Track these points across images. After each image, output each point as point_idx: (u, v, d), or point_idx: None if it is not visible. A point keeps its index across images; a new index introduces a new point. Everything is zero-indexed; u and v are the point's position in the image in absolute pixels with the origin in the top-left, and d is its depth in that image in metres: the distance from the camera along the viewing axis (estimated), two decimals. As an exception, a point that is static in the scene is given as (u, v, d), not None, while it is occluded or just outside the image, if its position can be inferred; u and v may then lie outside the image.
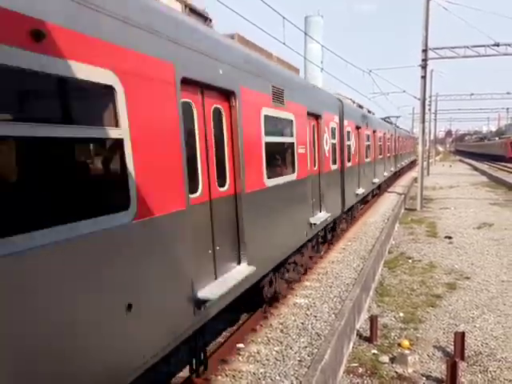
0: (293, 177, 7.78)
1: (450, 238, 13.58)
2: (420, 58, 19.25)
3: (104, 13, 3.23)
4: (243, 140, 5.62)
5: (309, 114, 8.81)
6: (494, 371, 5.90)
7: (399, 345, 6.61)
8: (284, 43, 12.05)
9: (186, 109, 4.49)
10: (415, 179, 27.32)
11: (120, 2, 3.49)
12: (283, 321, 7.08)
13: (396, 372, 5.88)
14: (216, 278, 5.11)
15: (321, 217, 9.46)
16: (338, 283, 8.83)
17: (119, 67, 3.37)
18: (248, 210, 5.76)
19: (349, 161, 13.28)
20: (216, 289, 4.79)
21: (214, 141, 5.08)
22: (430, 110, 40.78)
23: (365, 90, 33.31)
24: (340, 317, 6.59)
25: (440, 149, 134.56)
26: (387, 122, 27.90)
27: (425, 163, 26.26)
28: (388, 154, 24.46)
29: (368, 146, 17.21)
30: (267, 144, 6.52)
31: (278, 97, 6.93)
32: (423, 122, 20.25)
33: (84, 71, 3.03)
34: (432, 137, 56.36)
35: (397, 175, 31.75)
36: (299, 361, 5.74)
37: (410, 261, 11.23)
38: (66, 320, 2.87)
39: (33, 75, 2.70)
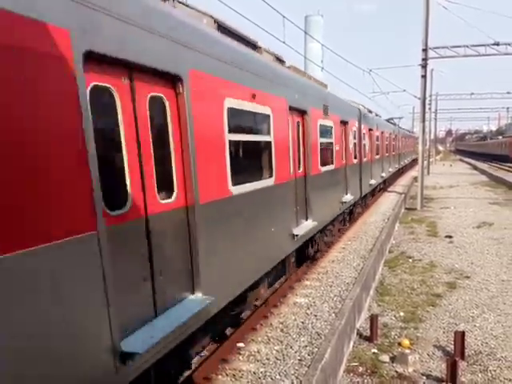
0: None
1: (450, 237, 13.58)
2: (420, 58, 19.24)
3: None
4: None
5: (341, 121, 12.06)
6: (494, 370, 5.90)
7: (399, 344, 6.61)
8: (284, 42, 12.05)
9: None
10: (415, 178, 27.33)
11: None
12: (283, 320, 7.08)
13: (396, 371, 5.89)
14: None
15: (348, 198, 12.82)
16: (338, 282, 8.84)
17: None
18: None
19: (364, 157, 16.23)
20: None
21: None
22: (430, 109, 40.76)
23: (365, 90, 33.27)
24: (340, 316, 6.59)
25: (440, 148, 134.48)
26: (391, 122, 30.42)
27: (425, 162, 26.20)
28: (393, 153, 27.66)
29: (377, 146, 20.22)
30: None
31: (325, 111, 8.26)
32: (423, 121, 20.22)
33: None
34: (432, 136, 56.31)
35: (400, 172, 34.90)
36: (299, 360, 5.74)
37: (411, 260, 11.23)
38: None
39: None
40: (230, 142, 5.31)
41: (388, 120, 29.73)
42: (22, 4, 2.60)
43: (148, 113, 3.94)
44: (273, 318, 7.20)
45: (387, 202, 20.36)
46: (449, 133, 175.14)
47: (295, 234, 7.89)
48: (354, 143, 14.28)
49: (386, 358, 6.21)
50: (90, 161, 3.08)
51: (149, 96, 3.96)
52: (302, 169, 8.62)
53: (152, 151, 3.97)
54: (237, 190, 5.47)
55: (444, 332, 7.05)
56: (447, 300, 8.42)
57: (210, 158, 4.81)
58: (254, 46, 6.99)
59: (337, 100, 11.96)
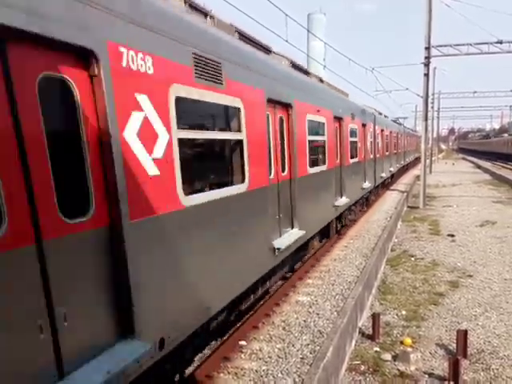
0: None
1: (452, 236, 13.54)
2: (423, 56, 19.17)
3: None
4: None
5: (363, 125, 14.99)
6: (497, 369, 5.89)
7: (401, 343, 6.60)
8: (287, 40, 12.03)
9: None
10: (418, 177, 27.28)
11: None
12: (285, 318, 7.09)
13: (398, 370, 5.88)
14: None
15: (367, 185, 16.02)
16: (341, 281, 8.83)
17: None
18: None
19: (377, 153, 19.16)
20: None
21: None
22: (432, 107, 40.69)
23: (368, 88, 33.34)
24: (342, 314, 6.59)
25: (443, 147, 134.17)
26: (397, 122, 33.37)
27: (427, 161, 26.17)
28: (399, 150, 30.65)
29: (387, 144, 22.98)
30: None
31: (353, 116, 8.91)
32: (426, 119, 20.15)
33: None
34: (435, 135, 56.14)
35: (405, 168, 37.59)
36: (301, 358, 5.75)
37: (413, 259, 11.20)
38: None
39: None
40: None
41: (395, 120, 32.84)
42: (253, 82, 4.41)
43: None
44: (275, 316, 7.20)
45: (389, 201, 20.32)
46: (451, 131, 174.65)
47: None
48: (371, 142, 17.44)
49: (388, 356, 6.20)
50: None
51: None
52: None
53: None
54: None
55: (446, 330, 7.04)
56: (449, 299, 8.40)
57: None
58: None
59: (360, 108, 15.29)
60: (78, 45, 3.11)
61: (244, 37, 6.66)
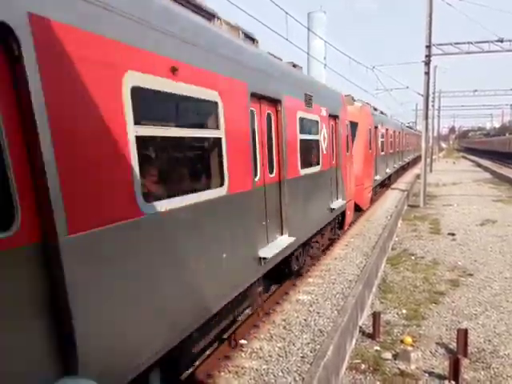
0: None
1: (453, 234, 13.54)
2: (423, 54, 19.14)
3: None
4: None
5: (376, 128, 18.44)
6: (497, 368, 5.89)
7: (402, 341, 6.60)
8: (287, 39, 12.02)
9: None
10: (418, 176, 27.29)
11: None
12: (286, 317, 7.09)
13: (399, 368, 5.88)
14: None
15: (378, 178, 19.31)
16: (341, 280, 8.84)
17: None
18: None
19: (384, 150, 22.01)
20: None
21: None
22: (433, 106, 40.67)
23: (368, 87, 33.26)
24: (343, 313, 6.59)
25: (443, 145, 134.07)
26: (408, 126, 42.15)
27: (428, 160, 26.17)
28: (403, 148, 33.07)
29: (391, 142, 25.61)
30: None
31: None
32: (426, 118, 20.13)
33: None
34: (435, 133, 56.12)
35: (409, 165, 40.70)
36: (302, 357, 5.76)
37: (413, 257, 11.21)
38: None
39: None
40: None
41: (410, 127, 43.57)
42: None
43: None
44: (275, 315, 7.21)
45: (390, 200, 20.32)
46: (452, 130, 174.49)
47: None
48: (382, 142, 20.81)
49: (388, 355, 6.20)
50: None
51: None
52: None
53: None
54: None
55: (447, 329, 7.04)
56: (450, 298, 8.40)
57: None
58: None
59: (382, 117, 20.28)
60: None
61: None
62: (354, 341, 6.65)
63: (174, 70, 4.07)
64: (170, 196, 4.06)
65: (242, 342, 6.26)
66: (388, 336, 6.85)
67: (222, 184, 5.03)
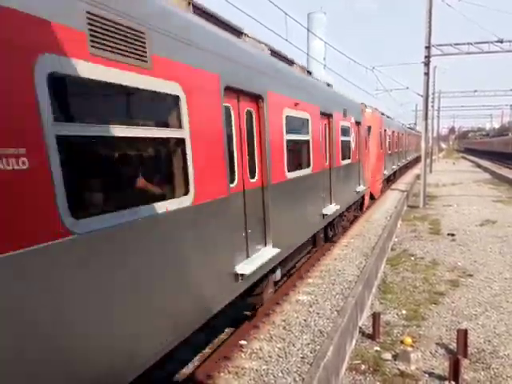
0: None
1: (452, 235, 13.54)
2: (423, 55, 19.15)
3: None
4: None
5: (385, 130, 21.01)
6: (497, 368, 5.89)
7: (402, 342, 6.60)
8: (286, 39, 12.01)
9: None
10: (418, 176, 27.31)
11: None
12: (286, 318, 7.09)
13: (398, 369, 5.88)
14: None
15: (386, 172, 21.45)
16: (341, 280, 8.84)
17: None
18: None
19: (390, 149, 24.83)
20: None
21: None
22: (433, 106, 40.68)
23: (368, 87, 33.33)
24: (342, 314, 6.59)
25: (443, 146, 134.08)
26: (411, 128, 46.74)
27: (428, 160, 26.22)
28: (406, 148, 36.38)
29: (396, 142, 28.45)
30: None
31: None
32: (426, 119, 20.14)
33: None
34: (435, 134, 56.17)
35: (411, 163, 43.46)
36: (302, 358, 5.75)
37: (413, 258, 11.20)
38: None
39: None
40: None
41: (412, 128, 46.02)
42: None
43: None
44: (275, 315, 7.21)
45: (390, 200, 20.32)
46: (452, 130, 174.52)
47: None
48: (389, 142, 23.93)
49: (388, 355, 6.20)
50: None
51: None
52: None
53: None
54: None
55: (446, 330, 7.04)
56: (450, 298, 8.40)
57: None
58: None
59: (389, 120, 22.87)
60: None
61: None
62: (353, 341, 6.65)
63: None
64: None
65: (242, 342, 6.26)
66: (388, 336, 6.85)
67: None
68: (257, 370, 5.49)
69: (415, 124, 59.03)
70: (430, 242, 12.90)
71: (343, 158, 11.57)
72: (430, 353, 6.34)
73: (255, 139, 6.14)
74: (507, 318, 7.42)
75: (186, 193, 4.31)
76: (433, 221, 16.11)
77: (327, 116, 9.98)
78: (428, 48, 18.89)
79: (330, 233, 11.17)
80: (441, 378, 5.66)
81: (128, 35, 3.45)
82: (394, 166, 26.67)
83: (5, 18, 2.52)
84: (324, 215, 9.36)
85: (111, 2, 3.31)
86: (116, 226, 3.33)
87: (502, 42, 18.99)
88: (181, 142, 4.23)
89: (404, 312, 7.77)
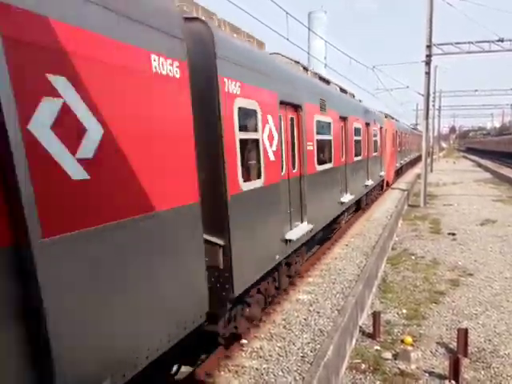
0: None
1: (453, 234, 13.55)
2: (424, 54, 19.12)
3: None
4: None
5: (396, 131, 24.64)
6: (497, 367, 5.90)
7: (402, 341, 6.61)
8: (287, 39, 12.00)
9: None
10: (418, 176, 27.31)
11: None
12: (286, 317, 7.09)
13: (399, 368, 5.89)
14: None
15: (398, 165, 24.79)
16: (341, 279, 8.84)
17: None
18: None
19: (399, 147, 28.17)
20: None
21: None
22: (433, 106, 40.64)
23: (369, 86, 33.28)
24: (343, 313, 6.60)
25: (444, 145, 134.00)
26: (414, 129, 48.10)
27: (428, 159, 26.22)
28: (410, 147, 39.15)
29: (403, 142, 31.74)
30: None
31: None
32: (427, 118, 20.12)
33: None
34: (436, 133, 56.16)
35: (412, 162, 44.94)
36: (302, 357, 5.75)
37: (413, 257, 11.21)
38: None
39: None
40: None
41: (414, 128, 48.33)
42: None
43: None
44: (275, 314, 7.21)
45: (390, 199, 20.30)
46: (452, 130, 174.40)
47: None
48: (398, 141, 27.26)
49: (388, 355, 6.21)
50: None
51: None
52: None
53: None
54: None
55: (447, 329, 7.05)
56: (450, 297, 8.41)
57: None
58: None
59: (398, 123, 25.80)
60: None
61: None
62: (354, 340, 6.66)
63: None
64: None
65: (243, 341, 6.26)
66: (388, 336, 6.85)
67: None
68: (257, 369, 5.49)
69: (417, 124, 59.91)
70: (430, 241, 12.90)
71: (374, 151, 17.14)
72: (431, 352, 6.35)
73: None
74: (507, 318, 7.43)
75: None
76: (433, 220, 16.11)
77: (367, 124, 15.21)
78: (429, 47, 18.85)
79: (367, 200, 16.99)
80: (441, 377, 5.67)
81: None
82: (401, 161, 31.19)
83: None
84: (366, 185, 15.08)
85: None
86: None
87: (502, 41, 18.93)
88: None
89: (404, 311, 7.78)
